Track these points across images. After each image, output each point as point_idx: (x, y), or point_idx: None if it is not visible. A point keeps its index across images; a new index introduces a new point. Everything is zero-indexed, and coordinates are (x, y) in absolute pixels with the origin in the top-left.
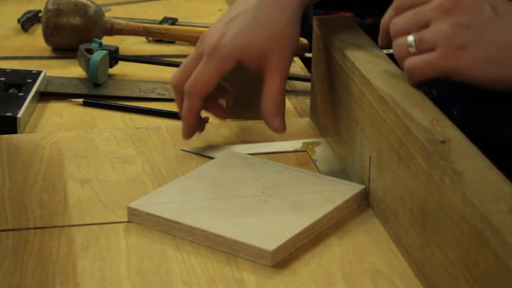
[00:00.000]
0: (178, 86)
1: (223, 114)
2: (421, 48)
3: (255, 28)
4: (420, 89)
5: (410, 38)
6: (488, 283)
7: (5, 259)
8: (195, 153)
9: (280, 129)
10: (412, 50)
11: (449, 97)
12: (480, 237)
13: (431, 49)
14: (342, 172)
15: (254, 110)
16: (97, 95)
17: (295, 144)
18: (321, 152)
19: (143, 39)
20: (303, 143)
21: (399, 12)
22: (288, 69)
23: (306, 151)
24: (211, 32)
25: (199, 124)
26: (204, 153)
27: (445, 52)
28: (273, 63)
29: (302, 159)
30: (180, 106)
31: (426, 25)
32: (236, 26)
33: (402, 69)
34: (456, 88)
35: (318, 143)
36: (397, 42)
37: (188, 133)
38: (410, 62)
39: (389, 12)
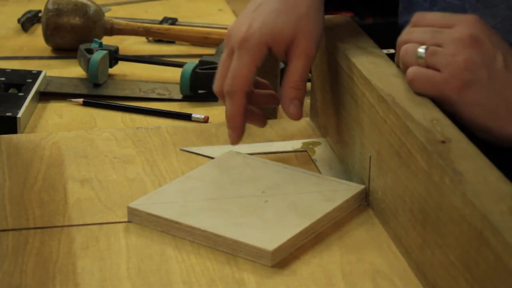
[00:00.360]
0: (220, 91)
1: (274, 101)
2: (429, 61)
3: (282, 12)
4: None
5: (422, 49)
6: (488, 283)
7: (5, 259)
8: (195, 153)
9: (294, 114)
10: (420, 60)
11: None
12: (480, 237)
13: (437, 69)
14: (342, 172)
15: None
16: (97, 95)
17: (295, 144)
18: (321, 152)
19: (143, 39)
20: (303, 143)
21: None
22: (313, 55)
23: (306, 151)
24: (237, 26)
25: (253, 119)
26: (204, 153)
27: (451, 81)
28: (299, 47)
29: (302, 159)
30: None
31: (440, 46)
32: (263, 13)
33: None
34: None
35: (318, 143)
36: (406, 47)
37: (237, 137)
38: (413, 71)
39: (407, 29)
